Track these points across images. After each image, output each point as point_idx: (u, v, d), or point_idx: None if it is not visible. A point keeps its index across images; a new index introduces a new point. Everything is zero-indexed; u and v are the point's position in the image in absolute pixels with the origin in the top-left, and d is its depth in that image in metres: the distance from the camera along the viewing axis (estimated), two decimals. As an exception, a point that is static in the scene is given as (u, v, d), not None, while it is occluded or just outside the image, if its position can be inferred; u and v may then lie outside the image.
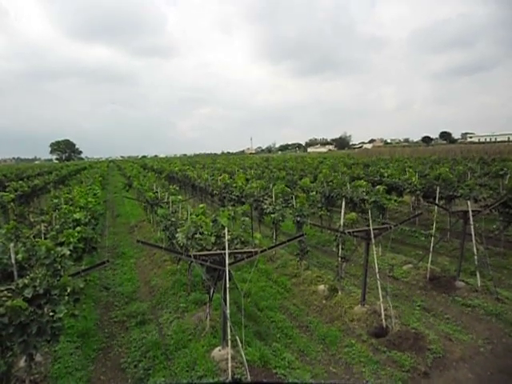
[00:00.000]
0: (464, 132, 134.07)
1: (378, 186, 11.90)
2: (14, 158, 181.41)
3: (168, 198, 11.54)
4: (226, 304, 5.08)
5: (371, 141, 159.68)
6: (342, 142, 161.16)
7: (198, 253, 5.43)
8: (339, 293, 7.79)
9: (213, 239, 5.89)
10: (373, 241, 6.76)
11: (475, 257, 7.93)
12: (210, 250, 5.65)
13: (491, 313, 6.94)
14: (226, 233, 5.37)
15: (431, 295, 8.00)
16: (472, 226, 7.85)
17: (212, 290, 6.21)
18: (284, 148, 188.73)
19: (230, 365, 4.85)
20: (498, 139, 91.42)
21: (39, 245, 5.16)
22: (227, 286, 5.09)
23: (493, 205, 9.44)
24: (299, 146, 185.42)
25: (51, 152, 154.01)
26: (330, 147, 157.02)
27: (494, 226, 11.34)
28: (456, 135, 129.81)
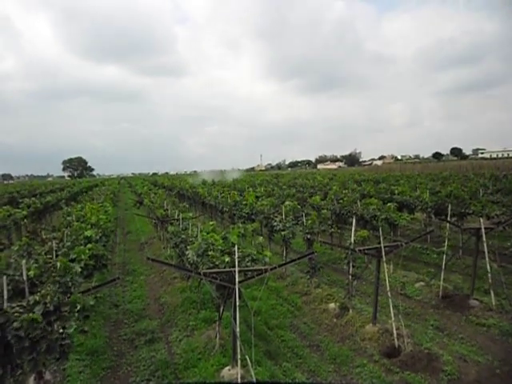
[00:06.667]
0: (475, 148, 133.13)
1: (388, 204, 11.82)
2: (27, 175, 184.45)
3: (178, 215, 11.60)
4: (235, 322, 5.05)
5: (381, 157, 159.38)
6: (351, 159, 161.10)
7: (208, 270, 5.42)
8: (350, 311, 7.68)
9: (227, 259, 5.78)
10: (384, 258, 6.69)
11: (489, 275, 7.78)
12: (219, 267, 5.63)
13: (507, 333, 6.77)
14: (236, 250, 5.36)
15: (444, 314, 7.84)
16: (485, 244, 7.74)
17: (222, 308, 6.17)
18: (294, 165, 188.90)
19: (239, 385, 4.78)
20: (511, 155, 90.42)
21: (56, 262, 5.22)
22: (237, 303, 5.06)
23: (506, 222, 9.30)
24: (309, 162, 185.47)
25: (63, 169, 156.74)
26: (340, 164, 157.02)
27: (509, 244, 11.14)
28: (467, 151, 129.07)
